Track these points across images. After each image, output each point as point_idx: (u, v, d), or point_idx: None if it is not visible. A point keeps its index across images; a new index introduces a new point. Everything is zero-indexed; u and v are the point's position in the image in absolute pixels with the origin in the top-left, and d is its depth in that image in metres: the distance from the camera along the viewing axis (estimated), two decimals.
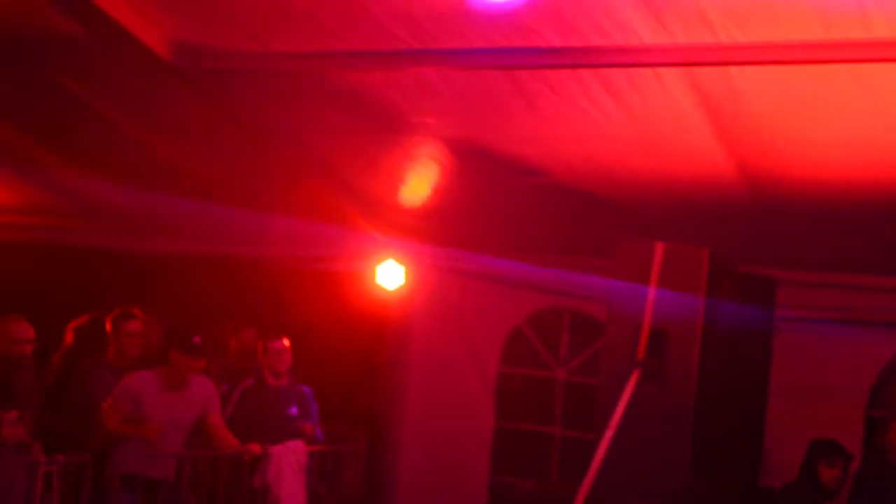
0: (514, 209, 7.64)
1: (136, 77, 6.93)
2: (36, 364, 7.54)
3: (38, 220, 10.13)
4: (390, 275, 8.47)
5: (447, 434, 8.41)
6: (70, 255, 10.14)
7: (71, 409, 7.79)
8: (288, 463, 7.87)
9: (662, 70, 5.60)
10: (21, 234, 10.27)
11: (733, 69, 5.46)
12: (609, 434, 6.13)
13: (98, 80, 7.27)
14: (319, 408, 8.51)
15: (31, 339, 7.28)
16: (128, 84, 7.19)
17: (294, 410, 8.30)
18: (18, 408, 6.97)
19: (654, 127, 6.21)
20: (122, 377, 7.48)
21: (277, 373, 8.31)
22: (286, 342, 8.32)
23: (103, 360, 7.94)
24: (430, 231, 8.28)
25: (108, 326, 8.00)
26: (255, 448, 7.84)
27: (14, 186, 9.72)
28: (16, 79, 7.56)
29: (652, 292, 6.34)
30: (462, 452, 8.38)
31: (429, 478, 8.39)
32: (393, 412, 8.50)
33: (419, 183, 7.71)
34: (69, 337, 8.34)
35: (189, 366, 7.59)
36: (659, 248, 6.37)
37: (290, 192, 8.12)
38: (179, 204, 8.97)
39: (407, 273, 8.47)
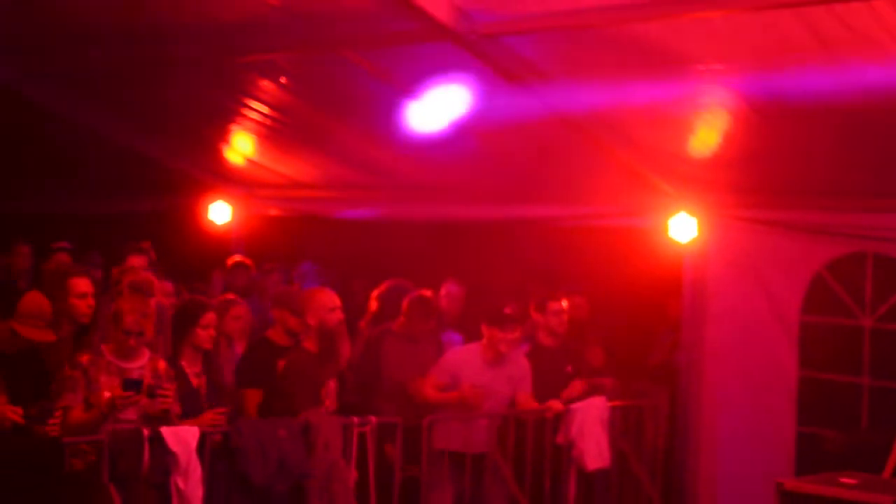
0: (810, 153, 7.35)
1: (420, 47, 7.11)
2: None
3: (337, 194, 10.57)
4: (683, 227, 8.34)
5: (750, 386, 8.22)
6: (362, 225, 10.51)
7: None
8: (590, 418, 7.93)
9: None
10: (319, 207, 10.74)
11: None
12: None
13: (385, 53, 7.51)
14: (619, 364, 8.54)
15: (340, 306, 7.47)
16: (410, 54, 7.38)
17: (569, 369, 8.31)
18: (339, 374, 7.23)
19: None
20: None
21: (554, 333, 8.30)
22: (565, 303, 8.31)
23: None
24: (722, 181, 8.09)
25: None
26: (557, 405, 7.94)
27: (317, 163, 10.18)
28: (310, 58, 7.92)
29: None
30: (766, 404, 8.16)
31: (733, 431, 8.23)
32: (692, 366, 8.39)
33: (708, 133, 7.54)
34: (374, 305, 8.67)
35: (504, 338, 7.74)
36: None
37: (580, 152, 8.13)
38: (470, 170, 9.14)
39: (700, 225, 8.31)
